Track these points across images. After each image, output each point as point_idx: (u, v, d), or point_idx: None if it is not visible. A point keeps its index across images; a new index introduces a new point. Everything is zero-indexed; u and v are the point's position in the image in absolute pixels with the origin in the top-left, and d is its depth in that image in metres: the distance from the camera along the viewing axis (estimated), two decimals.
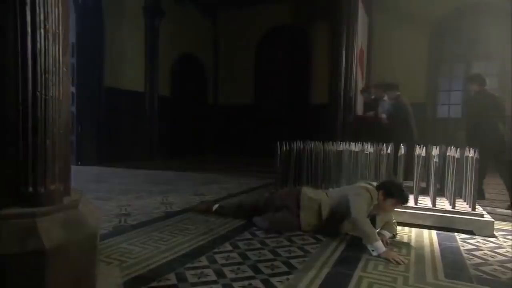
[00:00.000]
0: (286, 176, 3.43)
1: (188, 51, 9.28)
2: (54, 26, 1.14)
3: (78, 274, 1.19)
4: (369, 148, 3.20)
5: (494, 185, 5.34)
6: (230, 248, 2.22)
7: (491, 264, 2.05)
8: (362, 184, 2.61)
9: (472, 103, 4.74)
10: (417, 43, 8.05)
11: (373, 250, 2.13)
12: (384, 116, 5.27)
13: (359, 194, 2.42)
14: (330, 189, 2.99)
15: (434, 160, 2.82)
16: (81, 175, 5.49)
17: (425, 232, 2.70)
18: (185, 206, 3.36)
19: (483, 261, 2.10)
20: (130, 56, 7.57)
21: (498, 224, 2.95)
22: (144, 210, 3.16)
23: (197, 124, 9.78)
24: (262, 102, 9.81)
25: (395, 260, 2.01)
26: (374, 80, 8.46)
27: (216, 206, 3.04)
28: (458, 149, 2.91)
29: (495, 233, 2.70)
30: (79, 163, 6.71)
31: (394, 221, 2.57)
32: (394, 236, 2.52)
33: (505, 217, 3.27)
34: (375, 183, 2.61)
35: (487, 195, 4.40)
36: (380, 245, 2.12)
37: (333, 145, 3.40)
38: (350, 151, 3.20)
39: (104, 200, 3.56)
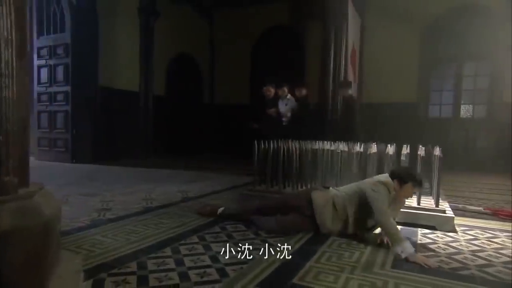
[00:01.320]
0: (264, 174, 3.55)
1: (184, 51, 9.42)
2: (6, 33, 1.26)
3: (32, 258, 1.32)
4: (342, 146, 3.31)
5: (480, 184, 5.43)
6: (196, 240, 2.35)
7: (439, 256, 2.15)
8: (377, 177, 2.58)
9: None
10: (409, 43, 8.12)
11: (402, 252, 2.07)
12: (288, 114, 5.44)
13: (378, 191, 2.38)
14: (340, 188, 2.80)
15: (402, 158, 2.92)
16: (74, 173, 5.65)
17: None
18: (165, 202, 3.49)
19: (433, 253, 2.21)
20: (124, 56, 7.71)
21: (463, 220, 3.08)
22: (125, 206, 3.29)
23: (193, 124, 9.91)
24: (257, 102, 9.89)
25: (426, 264, 1.97)
26: (365, 80, 8.58)
27: (221, 209, 2.97)
28: (424, 148, 3.01)
29: (457, 228, 2.80)
30: (74, 161, 6.88)
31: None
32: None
33: (475, 214, 3.37)
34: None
35: (467, 193, 4.50)
36: (408, 246, 2.08)
37: (309, 143, 3.51)
38: (323, 150, 3.31)
39: (89, 196, 3.70)
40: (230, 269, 1.88)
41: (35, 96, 7.31)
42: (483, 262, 2.09)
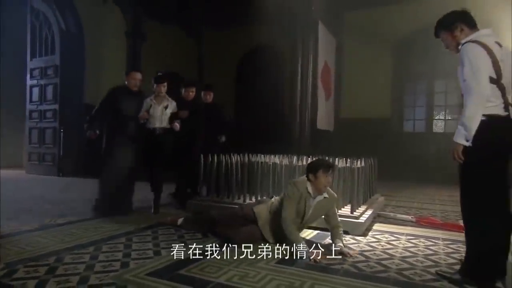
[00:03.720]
0: (209, 186, 3.89)
1: (172, 69, 9.88)
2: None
3: None
4: (273, 159, 3.64)
5: (439, 196, 5.66)
6: (122, 241, 2.67)
7: (330, 255, 2.43)
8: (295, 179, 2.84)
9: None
10: (383, 61, 8.47)
11: (297, 250, 2.38)
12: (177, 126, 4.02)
13: (286, 195, 2.63)
14: (277, 197, 3.01)
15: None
16: (56, 185, 6.02)
17: (311, 232, 3.08)
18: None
19: (327, 252, 2.48)
20: (111, 75, 8.13)
21: (384, 227, 3.36)
22: (81, 213, 3.64)
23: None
24: (242, 118, 10.27)
25: (313, 259, 2.29)
26: (343, 96, 8.95)
27: (180, 220, 3.15)
28: (347, 160, 3.31)
29: (371, 233, 3.09)
30: (61, 174, 7.28)
31: (341, 230, 2.66)
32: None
33: (402, 221, 3.63)
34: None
35: (415, 204, 4.75)
36: (302, 246, 2.38)
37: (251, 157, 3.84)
38: (255, 162, 3.63)
39: (54, 204, 4.07)
40: (134, 263, 2.20)
41: (27, 113, 7.81)
42: (362, 259, 2.37)
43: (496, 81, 1.95)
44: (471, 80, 1.94)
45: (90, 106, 7.63)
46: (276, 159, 3.63)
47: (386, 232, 3.16)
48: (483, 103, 1.92)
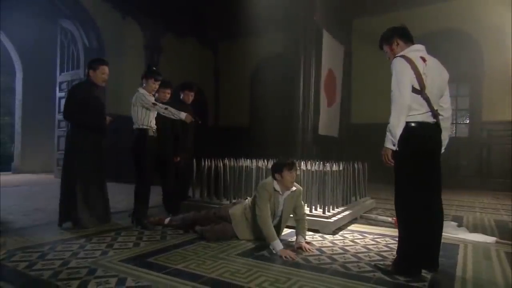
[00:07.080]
0: (201, 189, 4.21)
1: (189, 80, 10.39)
2: None
3: None
4: (261, 163, 3.90)
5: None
6: (112, 235, 3.04)
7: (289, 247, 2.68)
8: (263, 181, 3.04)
9: None
10: None
11: (273, 248, 2.59)
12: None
13: (258, 196, 2.82)
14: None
15: (297, 173, 3.47)
16: None
17: (285, 230, 3.32)
18: (124, 209, 4.23)
19: (289, 247, 2.73)
20: (130, 86, 8.74)
21: (359, 227, 3.53)
22: None
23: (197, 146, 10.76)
24: (256, 125, 10.58)
25: (285, 256, 2.46)
26: (353, 101, 9.06)
27: (167, 219, 3.45)
28: (321, 163, 3.52)
29: (342, 231, 3.29)
30: None
31: (305, 223, 2.89)
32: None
33: (381, 222, 3.78)
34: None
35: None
36: (276, 244, 2.59)
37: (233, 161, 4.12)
38: (237, 166, 3.92)
39: None
40: (113, 251, 2.56)
41: (56, 123, 8.55)
42: (316, 253, 2.59)
43: (420, 91, 2.14)
44: (395, 91, 2.15)
45: (112, 115, 8.32)
46: (259, 163, 3.90)
47: (357, 231, 3.34)
48: (405, 112, 2.12)
